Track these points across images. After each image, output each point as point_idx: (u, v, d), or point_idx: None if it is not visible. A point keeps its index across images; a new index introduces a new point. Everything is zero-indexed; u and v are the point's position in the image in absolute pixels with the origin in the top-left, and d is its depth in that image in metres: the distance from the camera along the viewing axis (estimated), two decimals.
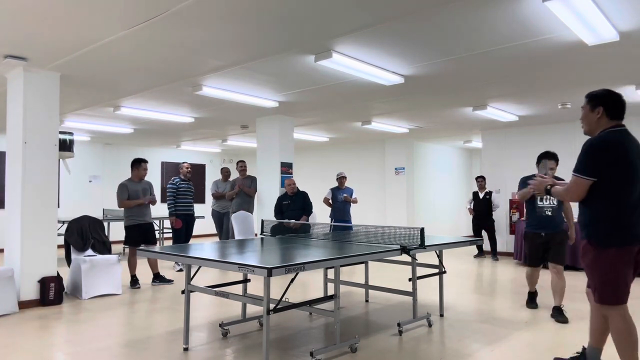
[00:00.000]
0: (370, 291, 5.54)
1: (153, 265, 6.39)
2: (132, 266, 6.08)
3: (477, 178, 9.11)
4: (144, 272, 6.70)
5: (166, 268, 7.46)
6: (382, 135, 10.64)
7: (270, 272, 2.71)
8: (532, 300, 5.03)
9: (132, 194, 6.12)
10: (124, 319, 4.54)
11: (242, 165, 8.14)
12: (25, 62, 4.85)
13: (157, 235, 7.89)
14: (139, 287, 6.00)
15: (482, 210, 8.87)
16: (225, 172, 8.53)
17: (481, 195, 8.89)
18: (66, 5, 3.49)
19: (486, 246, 8.97)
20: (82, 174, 11.26)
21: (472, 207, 9.07)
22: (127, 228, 6.19)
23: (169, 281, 6.39)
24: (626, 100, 2.83)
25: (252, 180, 8.15)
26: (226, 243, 4.27)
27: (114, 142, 11.61)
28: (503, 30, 4.00)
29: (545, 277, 6.95)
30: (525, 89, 6.11)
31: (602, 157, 2.68)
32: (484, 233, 8.89)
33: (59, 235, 5.88)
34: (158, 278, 6.37)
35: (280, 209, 6.98)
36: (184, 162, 7.50)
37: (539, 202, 4.80)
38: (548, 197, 4.25)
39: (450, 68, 5.14)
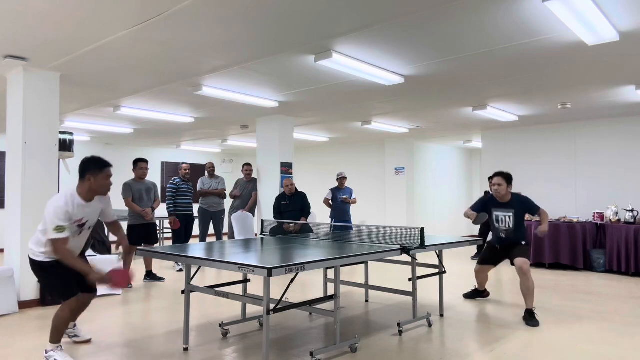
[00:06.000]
0: (370, 291, 5.54)
1: (148, 262, 6.43)
2: (127, 265, 6.09)
3: (489, 178, 8.99)
4: (138, 271, 6.73)
5: (166, 268, 7.46)
6: (382, 135, 10.64)
7: (270, 272, 2.71)
8: (473, 295, 5.36)
9: (136, 194, 6.15)
10: (124, 318, 4.54)
11: (247, 169, 8.12)
12: (25, 62, 4.85)
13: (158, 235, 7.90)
14: (131, 287, 6.01)
15: None
16: (210, 168, 7.94)
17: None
18: (66, 5, 3.49)
19: None
20: None
21: None
22: (130, 227, 6.21)
23: (161, 279, 6.42)
24: (626, 100, 2.84)
25: (255, 184, 8.15)
26: (226, 243, 4.27)
27: (114, 142, 11.61)
28: (503, 30, 4.00)
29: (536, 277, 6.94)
30: (525, 89, 6.11)
31: None
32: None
33: None
34: (150, 275, 6.40)
35: (279, 209, 6.98)
36: (183, 163, 7.51)
37: (495, 224, 4.88)
38: (505, 219, 4.77)
39: (450, 68, 5.14)
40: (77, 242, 3.38)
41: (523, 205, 4.78)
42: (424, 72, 5.31)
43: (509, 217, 4.76)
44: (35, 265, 3.27)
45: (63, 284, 3.26)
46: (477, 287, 5.36)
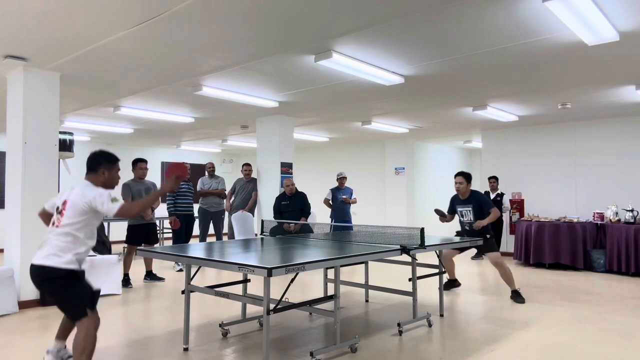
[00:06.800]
0: (370, 291, 5.54)
1: (148, 262, 6.43)
2: (126, 265, 6.10)
3: (489, 178, 8.89)
4: (138, 271, 6.71)
5: (166, 268, 7.46)
6: (382, 135, 10.64)
7: (270, 272, 2.71)
8: (448, 286, 5.82)
9: (135, 194, 6.14)
10: (124, 319, 4.54)
11: (247, 169, 8.12)
12: (25, 62, 4.85)
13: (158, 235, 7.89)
14: (131, 287, 6.01)
15: None
16: (210, 168, 7.99)
17: (492, 195, 8.67)
18: (66, 5, 3.49)
19: None
20: (82, 174, 11.20)
21: None
22: (130, 227, 6.21)
23: (161, 279, 6.42)
24: (626, 100, 2.84)
25: (255, 184, 8.15)
26: (226, 243, 4.27)
27: (114, 142, 11.61)
28: (503, 30, 4.00)
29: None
30: (525, 89, 6.11)
31: None
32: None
33: None
34: (150, 275, 6.41)
35: (279, 208, 6.99)
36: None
37: (460, 218, 5.54)
38: (467, 213, 5.42)
39: (450, 68, 5.14)
40: (95, 236, 3.09)
41: (479, 201, 5.39)
42: (424, 72, 5.31)
43: (469, 210, 5.41)
44: (52, 275, 2.78)
45: (80, 298, 2.83)
46: (448, 277, 5.87)
